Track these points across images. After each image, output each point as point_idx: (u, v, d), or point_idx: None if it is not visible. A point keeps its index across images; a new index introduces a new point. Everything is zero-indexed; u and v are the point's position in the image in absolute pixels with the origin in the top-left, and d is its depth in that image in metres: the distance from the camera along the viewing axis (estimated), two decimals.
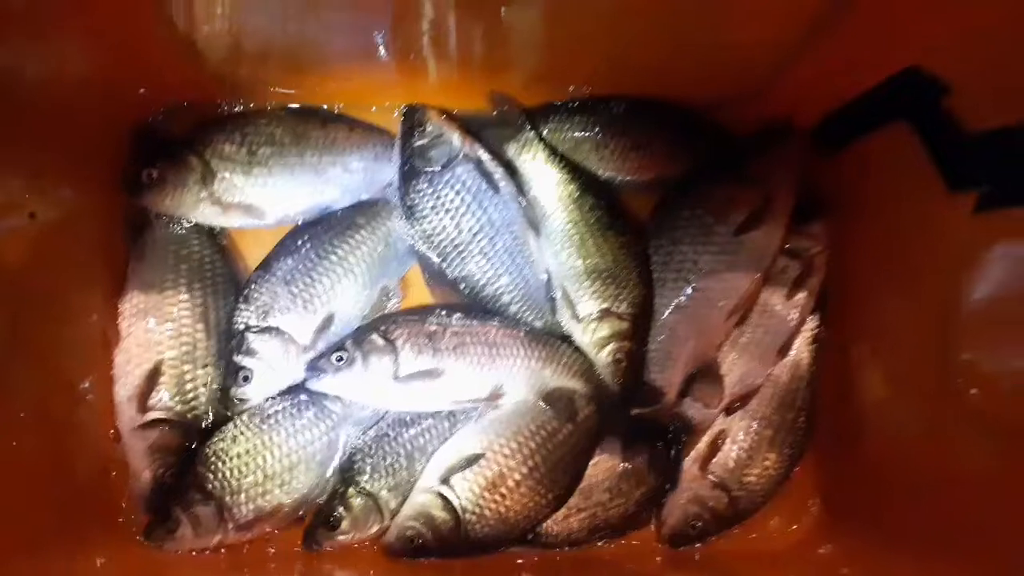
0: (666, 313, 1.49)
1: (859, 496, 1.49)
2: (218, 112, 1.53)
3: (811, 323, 1.57)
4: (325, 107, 1.56)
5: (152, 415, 1.40)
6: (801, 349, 1.57)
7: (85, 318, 1.39)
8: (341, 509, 1.41)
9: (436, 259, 1.48)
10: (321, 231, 1.49)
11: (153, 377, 1.41)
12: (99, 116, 1.39)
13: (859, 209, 1.48)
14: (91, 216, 1.40)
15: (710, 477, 1.53)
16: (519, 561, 1.46)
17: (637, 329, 1.47)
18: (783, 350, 1.55)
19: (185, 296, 1.45)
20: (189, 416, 1.44)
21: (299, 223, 1.52)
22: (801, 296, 1.52)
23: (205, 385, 1.45)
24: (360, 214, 1.52)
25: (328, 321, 1.46)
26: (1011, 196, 1.10)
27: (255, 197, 1.48)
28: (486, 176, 1.47)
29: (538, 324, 1.51)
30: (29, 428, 1.21)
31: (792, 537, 1.56)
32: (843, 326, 1.54)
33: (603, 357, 1.47)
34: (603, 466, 1.49)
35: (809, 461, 1.57)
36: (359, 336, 1.42)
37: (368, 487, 1.43)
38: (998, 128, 1.11)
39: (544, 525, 1.45)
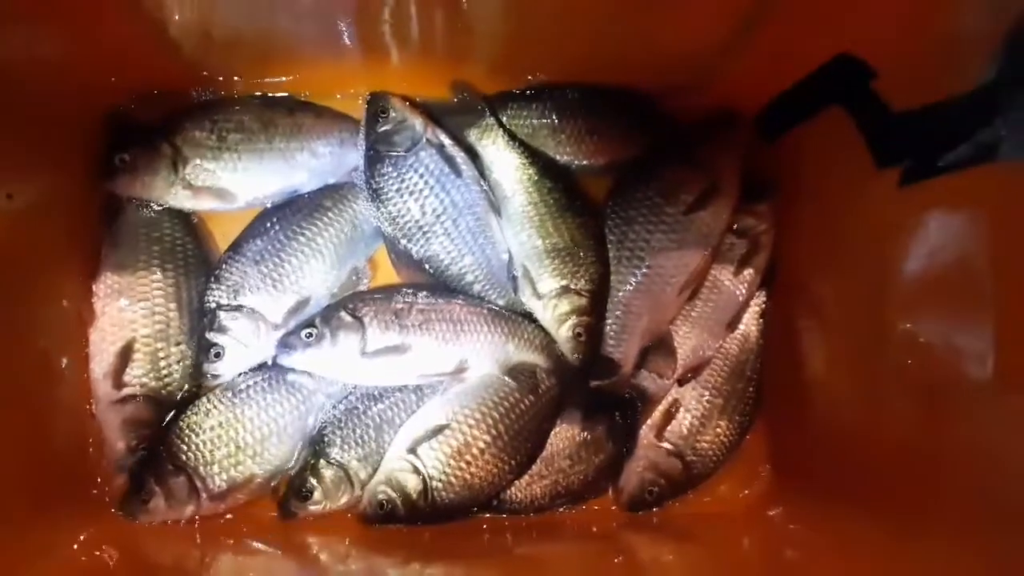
0: (622, 290, 1.52)
1: (806, 461, 1.53)
2: (189, 100, 1.55)
3: (759, 298, 1.62)
4: (292, 95, 1.58)
5: (127, 390, 1.43)
6: (749, 322, 1.62)
7: (61, 299, 1.40)
8: (312, 480, 1.43)
9: (402, 240, 1.51)
10: (289, 213, 1.51)
11: (126, 354, 1.43)
12: (73, 103, 1.40)
13: (800, 190, 1.53)
14: (66, 200, 1.42)
15: (665, 444, 1.57)
16: (485, 526, 1.50)
17: (595, 305, 1.49)
18: (732, 323, 1.59)
19: (158, 276, 1.47)
20: (163, 392, 1.46)
21: (268, 206, 1.54)
22: (748, 272, 1.57)
23: (179, 361, 1.47)
24: (327, 197, 1.54)
25: (300, 302, 1.48)
26: (930, 168, 1.16)
27: (225, 181, 1.50)
28: (448, 160, 1.50)
29: (501, 302, 1.54)
30: (6, 406, 1.22)
31: (744, 500, 1.61)
32: (788, 300, 1.58)
33: (563, 332, 1.50)
34: (564, 435, 1.52)
35: (759, 429, 1.62)
36: (328, 313, 1.44)
37: (339, 458, 1.45)
38: (919, 107, 1.17)
39: (508, 492, 1.49)
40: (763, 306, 1.63)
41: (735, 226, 1.57)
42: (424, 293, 1.49)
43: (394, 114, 1.49)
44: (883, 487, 1.26)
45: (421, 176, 1.48)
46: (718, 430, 1.58)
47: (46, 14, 1.21)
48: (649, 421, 1.59)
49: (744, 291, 1.58)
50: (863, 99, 1.26)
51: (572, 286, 1.50)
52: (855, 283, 1.37)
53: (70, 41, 1.30)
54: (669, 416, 1.58)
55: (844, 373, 1.44)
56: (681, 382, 1.59)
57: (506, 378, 1.47)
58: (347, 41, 1.44)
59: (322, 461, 1.45)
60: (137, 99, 1.52)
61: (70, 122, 1.42)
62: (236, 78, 1.55)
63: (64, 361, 1.40)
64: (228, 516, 1.47)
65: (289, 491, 1.45)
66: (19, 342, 1.28)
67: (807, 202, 1.51)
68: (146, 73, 1.50)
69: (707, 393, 1.59)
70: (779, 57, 1.41)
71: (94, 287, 1.46)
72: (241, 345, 1.46)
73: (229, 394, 1.46)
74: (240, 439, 1.43)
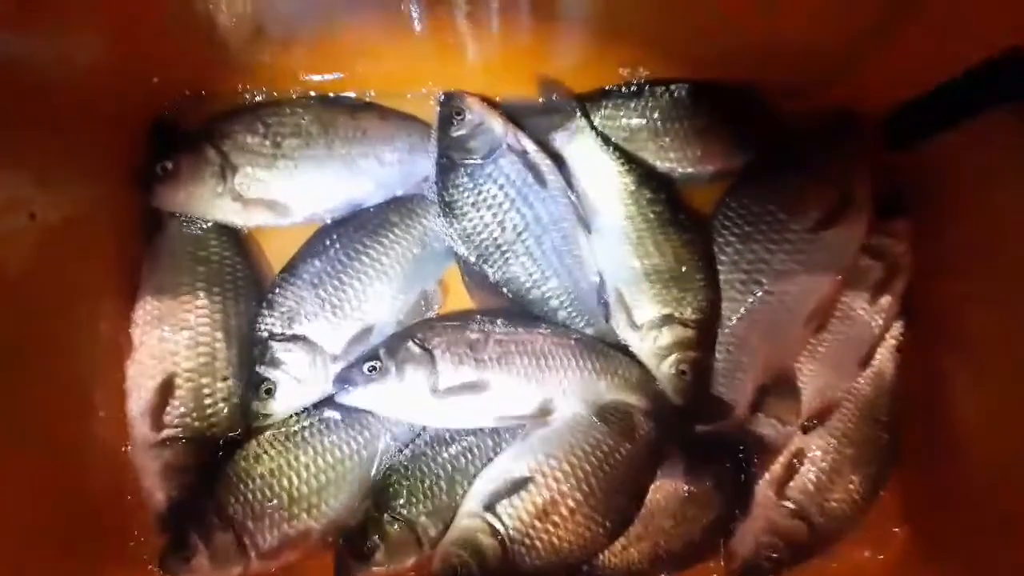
0: (735, 319, 1.44)
1: (952, 523, 1.44)
2: (239, 101, 1.51)
3: (896, 330, 1.53)
4: (355, 95, 1.54)
5: (167, 432, 1.37)
6: (885, 359, 1.53)
7: (95, 326, 1.35)
8: (375, 537, 1.36)
9: (477, 260, 1.45)
10: (352, 230, 1.46)
11: (167, 390, 1.37)
12: (110, 107, 1.36)
13: (949, 204, 1.44)
14: (102, 215, 1.38)
15: (786, 503, 1.47)
16: None
17: (703, 337, 1.42)
18: (865, 360, 1.50)
19: (203, 302, 1.42)
20: (207, 433, 1.40)
21: (327, 221, 1.50)
22: (885, 300, 1.48)
23: (225, 399, 1.41)
24: (394, 211, 1.49)
25: (362, 331, 1.42)
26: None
27: (279, 192, 1.45)
28: (532, 168, 1.43)
29: (590, 331, 1.47)
30: (35, 446, 1.18)
31: (878, 568, 1.52)
32: (932, 333, 1.50)
33: (664, 368, 1.42)
34: (665, 490, 1.44)
35: (896, 483, 1.53)
36: (393, 344, 1.37)
37: (405, 512, 1.37)
38: None
39: (601, 556, 1.41)
40: (901, 340, 1.53)
41: (869, 246, 1.47)
42: (502, 321, 1.41)
43: (470, 116, 1.42)
44: None
45: (500, 187, 1.42)
46: (849, 486, 1.48)
47: (81, 8, 1.20)
48: (767, 475, 1.49)
49: (880, 322, 1.48)
50: None
51: (676, 315, 1.42)
52: (1020, 315, 1.27)
53: (106, 38, 1.27)
54: (791, 469, 1.48)
55: (1000, 421, 1.34)
56: (806, 429, 1.49)
57: (597, 422, 1.39)
58: (417, 30, 1.39)
59: (386, 515, 1.37)
60: (182, 102, 1.50)
61: (106, 128, 1.38)
62: (297, 75, 1.52)
63: (98, 398, 1.35)
64: None
65: (348, 550, 1.37)
66: (47, 377, 1.23)
67: (961, 216, 1.42)
68: (191, 73, 1.48)
69: (835, 442, 1.49)
70: (920, 57, 1.34)
71: (132, 314, 1.41)
72: (295, 380, 1.39)
73: (282, 437, 1.39)
74: (294, 489, 1.36)
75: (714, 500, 1.45)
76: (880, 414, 1.50)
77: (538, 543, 1.31)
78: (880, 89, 1.46)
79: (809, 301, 1.41)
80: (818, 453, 1.48)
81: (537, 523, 1.31)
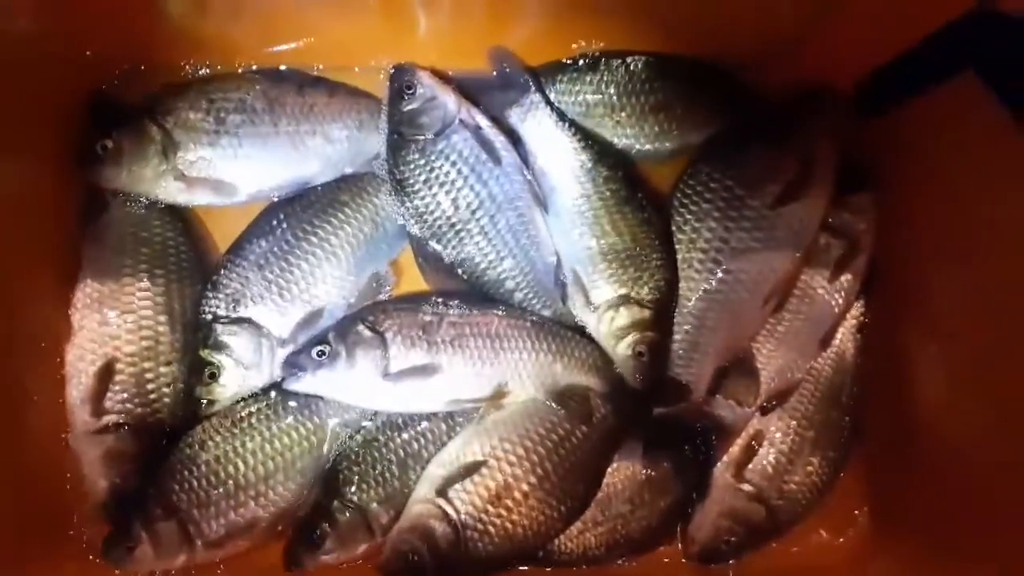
0: (693, 299, 1.43)
1: (914, 505, 1.44)
2: (181, 76, 1.48)
3: (857, 309, 1.53)
4: (302, 69, 1.50)
5: (108, 419, 1.34)
6: (846, 338, 1.53)
7: (32, 310, 1.32)
8: (325, 524, 1.34)
9: (430, 240, 1.43)
10: (299, 209, 1.44)
11: (107, 375, 1.34)
12: (45, 83, 1.33)
13: (912, 176, 1.44)
14: (38, 196, 1.35)
15: (745, 485, 1.48)
16: None
17: (660, 318, 1.41)
18: (826, 340, 1.50)
19: (145, 284, 1.39)
20: (151, 420, 1.37)
21: (274, 200, 1.47)
22: (846, 278, 1.47)
23: (168, 385, 1.38)
24: (343, 190, 1.47)
25: (311, 314, 1.40)
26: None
27: (224, 171, 1.42)
28: (485, 145, 1.41)
29: (546, 313, 1.46)
30: None
31: (838, 552, 1.52)
32: (894, 312, 1.50)
33: (622, 350, 1.41)
34: (623, 474, 1.44)
35: (856, 465, 1.53)
36: (343, 327, 1.35)
37: (356, 499, 1.36)
38: None
39: (557, 541, 1.41)
40: (862, 319, 1.53)
41: (830, 222, 1.47)
42: (457, 303, 1.40)
43: (422, 90, 1.40)
44: (1010, 539, 1.20)
45: (453, 164, 1.39)
46: (808, 468, 1.48)
47: None
48: (726, 457, 1.49)
49: (840, 301, 1.47)
50: (1007, 62, 1.16)
51: (633, 295, 1.42)
52: (987, 288, 1.27)
53: (34, 7, 1.23)
54: (750, 451, 1.49)
55: (964, 401, 1.34)
56: (764, 411, 1.49)
57: (553, 405, 1.39)
58: (367, 1, 1.38)
59: (336, 502, 1.36)
60: (121, 77, 1.46)
61: (42, 105, 1.34)
62: (242, 48, 1.48)
63: (34, 383, 1.32)
64: (225, 566, 1.39)
65: (297, 538, 1.36)
66: None
67: (924, 190, 1.41)
68: (130, 46, 1.43)
69: (795, 423, 1.49)
70: (880, 22, 1.34)
71: (71, 297, 1.37)
72: (241, 365, 1.37)
73: (228, 423, 1.37)
74: (240, 476, 1.34)
75: (672, 484, 1.45)
76: (841, 395, 1.51)
77: (491, 528, 1.31)
78: (845, 58, 1.45)
79: (768, 280, 1.40)
80: (777, 435, 1.48)
81: (490, 508, 1.31)
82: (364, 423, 1.42)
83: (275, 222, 1.42)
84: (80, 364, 1.34)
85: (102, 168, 1.37)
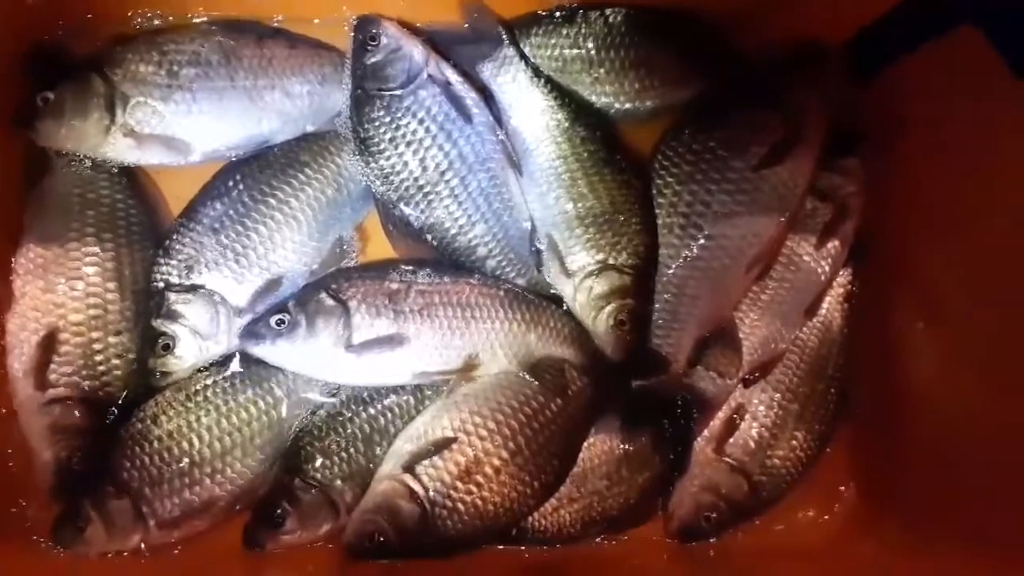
0: (673, 266, 1.42)
1: (901, 482, 1.46)
2: (132, 27, 1.45)
3: (844, 277, 1.54)
4: (261, 20, 1.48)
5: (54, 391, 1.32)
6: (832, 308, 1.54)
7: None
8: (286, 503, 1.34)
9: (398, 203, 1.41)
10: (257, 170, 1.42)
11: (50, 345, 1.32)
12: None
13: (904, 138, 1.43)
14: None
15: (726, 460, 1.49)
16: (499, 561, 1.42)
17: (640, 285, 1.41)
18: (811, 309, 1.50)
19: (93, 249, 1.36)
20: (100, 393, 1.35)
21: (231, 160, 1.45)
22: (833, 245, 1.47)
23: (119, 356, 1.36)
24: (304, 149, 1.45)
25: (270, 281, 1.39)
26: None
27: (176, 128, 1.39)
28: (455, 101, 1.39)
29: (520, 281, 1.46)
30: None
31: (823, 529, 1.53)
32: (883, 280, 1.50)
33: (600, 319, 1.41)
34: (600, 448, 1.44)
35: (842, 440, 1.54)
36: (304, 296, 1.35)
37: (318, 476, 1.36)
38: None
39: (530, 519, 1.41)
40: (849, 288, 1.54)
41: (817, 186, 1.46)
42: (426, 271, 1.39)
43: (386, 41, 1.38)
44: (1000, 517, 1.21)
45: (421, 121, 1.38)
46: (793, 442, 1.49)
47: None
48: (707, 431, 1.50)
49: (827, 269, 1.48)
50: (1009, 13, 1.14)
51: (611, 261, 1.41)
52: (980, 255, 1.28)
53: None
54: (732, 425, 1.49)
55: (954, 373, 1.35)
56: (747, 383, 1.49)
57: (527, 377, 1.39)
58: None
59: (298, 480, 1.36)
60: (66, 28, 1.42)
61: None
62: None
63: None
64: (182, 547, 1.38)
65: (257, 517, 1.36)
66: None
67: (913, 155, 1.42)
68: None
69: (779, 396, 1.50)
70: None
71: (13, 262, 1.35)
72: (196, 335, 1.36)
73: (182, 396, 1.36)
74: (195, 452, 1.33)
75: (651, 459, 1.45)
76: (827, 367, 1.51)
77: (461, 505, 1.30)
78: (836, 15, 1.44)
79: (751, 245, 1.39)
80: (760, 408, 1.49)
81: (460, 484, 1.31)
82: (327, 397, 1.41)
83: (231, 183, 1.40)
84: (22, 334, 1.32)
85: (43, 124, 1.34)
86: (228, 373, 1.38)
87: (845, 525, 1.51)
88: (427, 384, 1.40)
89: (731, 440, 1.49)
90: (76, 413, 1.32)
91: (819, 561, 1.47)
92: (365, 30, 1.38)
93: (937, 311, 1.38)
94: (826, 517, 1.53)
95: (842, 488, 1.53)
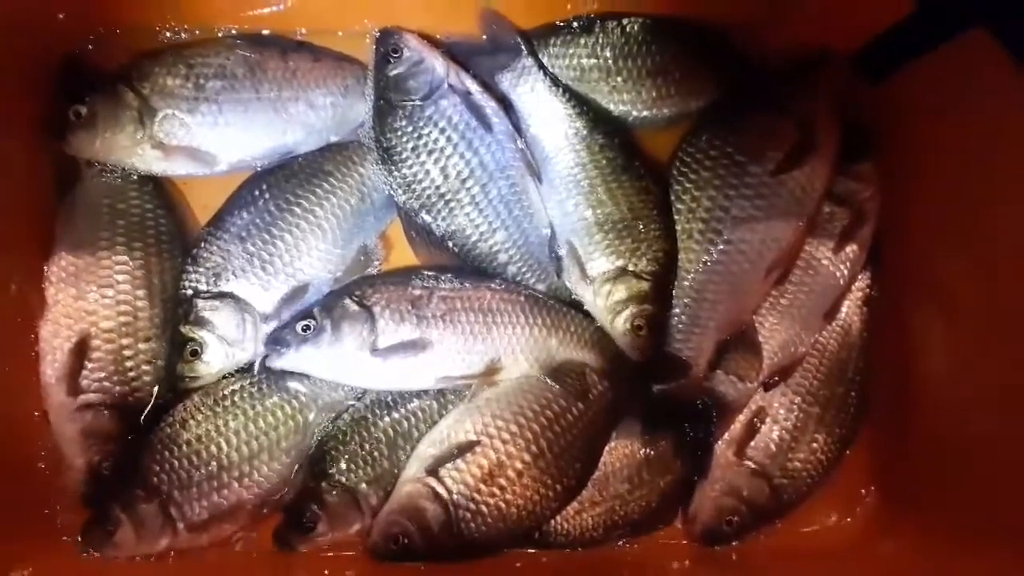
0: (692, 271, 1.43)
1: (922, 484, 1.46)
2: (159, 41, 1.47)
3: (862, 281, 1.53)
4: (285, 34, 1.50)
5: (85, 397, 1.34)
6: (851, 312, 1.54)
7: (4, 285, 1.33)
8: (315, 507, 1.35)
9: (420, 211, 1.43)
10: (282, 180, 1.44)
11: (82, 352, 1.34)
12: (13, 47, 1.32)
13: (920, 144, 1.44)
14: (8, 167, 1.35)
15: (748, 463, 1.49)
16: (521, 564, 1.42)
17: (659, 290, 1.42)
18: (830, 313, 1.50)
19: (123, 257, 1.39)
20: (130, 398, 1.37)
21: (256, 170, 1.47)
22: (851, 249, 1.47)
23: (148, 362, 1.39)
24: (328, 159, 1.47)
25: (295, 288, 1.41)
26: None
27: (203, 139, 1.41)
28: (475, 111, 1.41)
29: (541, 287, 1.47)
30: None
31: (844, 532, 1.53)
32: (901, 284, 1.50)
33: (619, 324, 1.42)
34: (621, 452, 1.45)
35: (863, 443, 1.54)
36: (329, 302, 1.37)
37: (344, 480, 1.37)
38: None
39: (553, 523, 1.42)
40: (868, 291, 1.54)
41: (833, 191, 1.47)
42: (447, 277, 1.41)
43: (408, 53, 1.39)
44: (1021, 518, 1.20)
45: (442, 131, 1.39)
46: (813, 445, 1.50)
47: None
48: (727, 435, 1.50)
49: (845, 273, 1.48)
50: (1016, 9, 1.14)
51: (630, 267, 1.42)
52: (997, 259, 1.28)
53: None
54: (752, 428, 1.50)
55: (973, 376, 1.35)
56: (767, 386, 1.50)
57: (549, 381, 1.40)
58: None
59: (324, 484, 1.37)
60: (95, 41, 1.45)
61: (10, 71, 1.33)
62: (222, 11, 1.48)
63: (8, 361, 1.33)
64: (210, 550, 1.39)
65: (287, 521, 1.37)
66: None
67: (931, 156, 1.41)
68: (105, 8, 1.43)
69: (799, 400, 1.50)
70: None
71: (45, 270, 1.37)
72: (223, 341, 1.38)
73: (210, 401, 1.38)
74: (223, 456, 1.35)
75: (672, 463, 1.45)
76: (847, 370, 1.51)
77: (484, 508, 1.31)
78: (847, 20, 1.44)
79: (770, 250, 1.40)
80: (781, 412, 1.49)
81: (483, 487, 1.31)
82: (352, 402, 1.42)
83: (257, 193, 1.42)
84: (55, 340, 1.34)
85: (75, 136, 1.37)
86: (255, 378, 1.39)
87: (866, 527, 1.51)
88: (450, 388, 1.40)
89: (752, 444, 1.49)
90: (107, 418, 1.35)
91: (841, 563, 1.47)
92: (387, 42, 1.40)
93: (955, 313, 1.38)
94: (848, 520, 1.53)
95: (863, 491, 1.53)
